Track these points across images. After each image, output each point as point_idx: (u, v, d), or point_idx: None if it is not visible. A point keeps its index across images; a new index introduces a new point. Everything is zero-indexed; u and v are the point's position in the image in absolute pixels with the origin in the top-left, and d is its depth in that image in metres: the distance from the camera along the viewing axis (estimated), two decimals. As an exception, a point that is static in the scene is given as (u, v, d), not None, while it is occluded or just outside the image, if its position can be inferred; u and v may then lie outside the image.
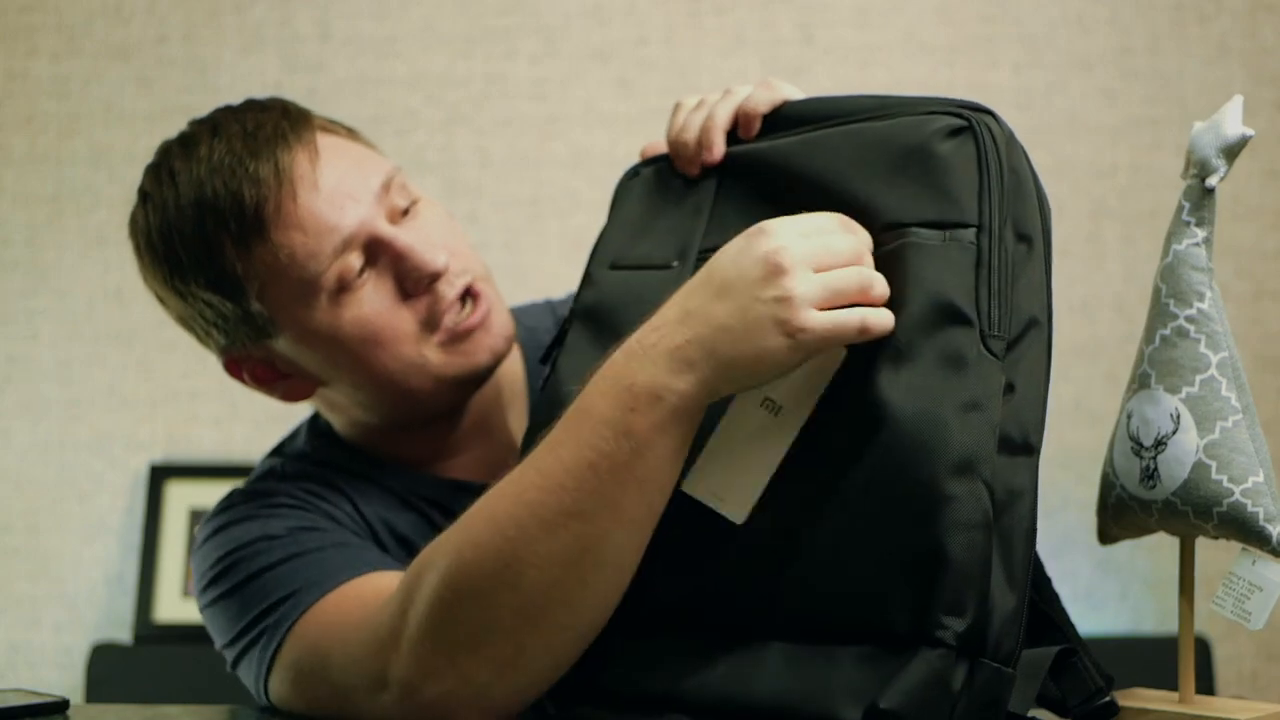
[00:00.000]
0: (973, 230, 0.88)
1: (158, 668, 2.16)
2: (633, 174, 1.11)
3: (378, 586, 1.01)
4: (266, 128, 1.15)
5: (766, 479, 0.88)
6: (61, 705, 1.00)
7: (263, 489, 1.19)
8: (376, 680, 0.95)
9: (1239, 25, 2.38)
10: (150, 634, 2.19)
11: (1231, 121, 0.89)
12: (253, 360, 1.21)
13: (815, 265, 0.87)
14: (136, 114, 2.31)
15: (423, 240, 1.16)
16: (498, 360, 1.19)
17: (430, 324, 1.16)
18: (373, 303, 1.15)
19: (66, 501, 2.30)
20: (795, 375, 0.88)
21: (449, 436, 1.24)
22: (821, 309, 0.86)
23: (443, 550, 0.93)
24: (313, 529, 1.13)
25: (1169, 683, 0.93)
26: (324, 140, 1.17)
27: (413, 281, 1.15)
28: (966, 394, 0.84)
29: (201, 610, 1.16)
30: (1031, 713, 0.85)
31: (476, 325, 1.17)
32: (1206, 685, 2.11)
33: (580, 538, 0.88)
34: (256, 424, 2.27)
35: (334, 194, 1.14)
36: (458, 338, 1.16)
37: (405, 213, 1.18)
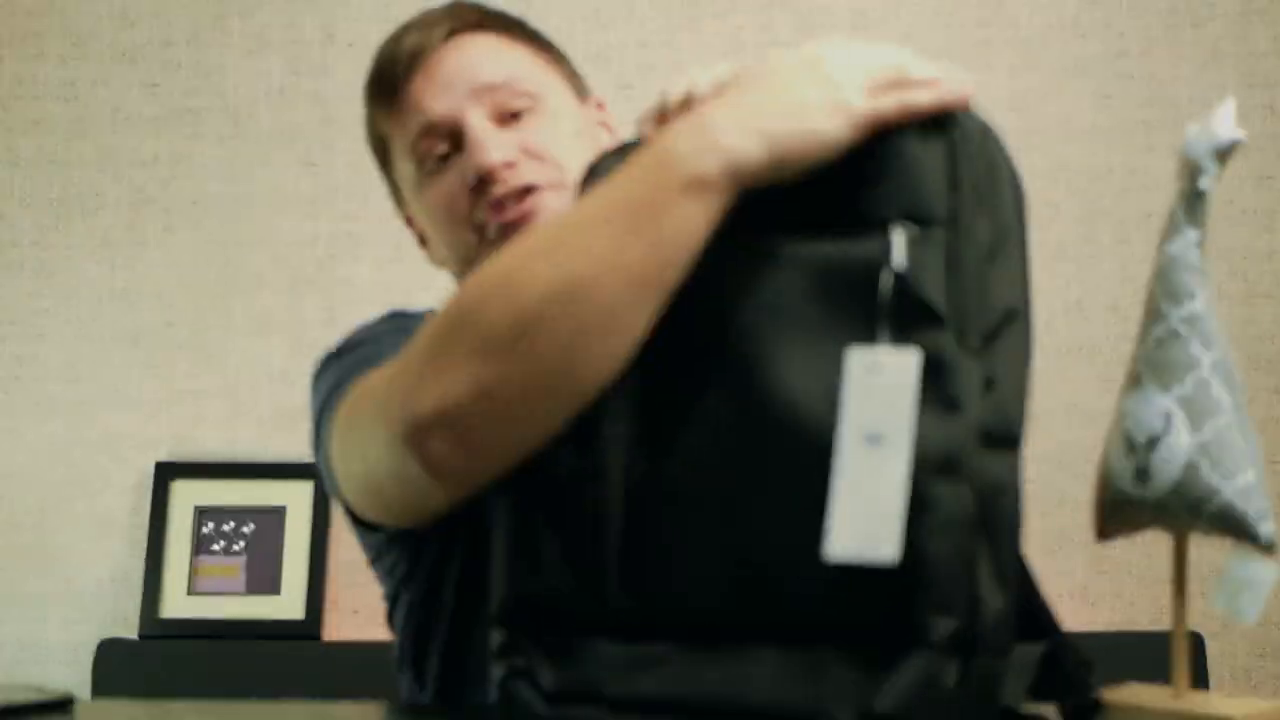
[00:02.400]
0: (942, 229, 0.86)
1: (164, 664, 2.17)
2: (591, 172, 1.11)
3: None
4: (439, 13, 1.29)
5: (901, 510, 0.82)
6: (68, 701, 1.00)
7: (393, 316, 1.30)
8: (384, 409, 0.95)
9: (1231, 30, 2.40)
10: (156, 630, 2.20)
11: (1224, 125, 0.89)
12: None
13: (851, 59, 0.91)
14: (143, 117, 2.30)
15: (494, 139, 1.21)
16: None
17: (481, 217, 1.22)
18: (448, 185, 1.23)
19: (74, 500, 2.31)
20: (878, 400, 0.84)
21: None
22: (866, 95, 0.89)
23: (463, 283, 0.95)
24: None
25: (1162, 678, 0.93)
26: (470, 37, 1.28)
27: (470, 174, 1.21)
28: (943, 393, 0.83)
29: (310, 392, 1.23)
30: (1025, 707, 0.86)
31: (510, 222, 1.20)
32: (1200, 681, 2.12)
33: (573, 267, 0.88)
34: (261, 423, 2.28)
35: (440, 82, 1.24)
36: (501, 234, 1.21)
37: (515, 115, 1.25)
